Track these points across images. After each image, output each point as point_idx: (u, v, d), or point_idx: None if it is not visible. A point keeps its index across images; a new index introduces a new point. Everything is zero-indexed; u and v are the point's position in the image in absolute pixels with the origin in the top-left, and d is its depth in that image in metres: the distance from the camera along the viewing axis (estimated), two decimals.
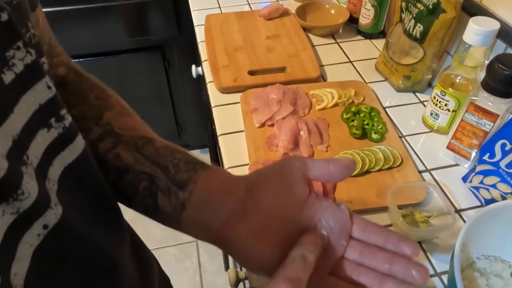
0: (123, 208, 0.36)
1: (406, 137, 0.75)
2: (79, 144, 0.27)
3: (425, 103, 0.82)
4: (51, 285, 0.24)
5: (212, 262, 1.58)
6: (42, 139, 0.24)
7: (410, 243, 0.30)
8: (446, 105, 0.71)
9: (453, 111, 0.71)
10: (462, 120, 0.64)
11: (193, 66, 1.14)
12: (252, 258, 0.31)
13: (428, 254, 0.58)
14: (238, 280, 0.74)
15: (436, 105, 0.72)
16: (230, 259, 1.19)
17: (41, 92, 0.24)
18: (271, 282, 0.26)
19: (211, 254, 1.60)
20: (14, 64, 0.22)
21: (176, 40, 1.50)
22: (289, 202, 0.32)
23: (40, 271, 0.23)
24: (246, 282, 0.79)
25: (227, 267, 1.17)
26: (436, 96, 0.71)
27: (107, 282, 0.30)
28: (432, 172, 0.69)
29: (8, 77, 0.21)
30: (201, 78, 1.07)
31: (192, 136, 1.84)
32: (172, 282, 0.57)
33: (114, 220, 0.34)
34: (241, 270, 0.80)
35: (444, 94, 0.70)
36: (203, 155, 1.92)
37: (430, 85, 0.85)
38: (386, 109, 0.80)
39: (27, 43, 0.23)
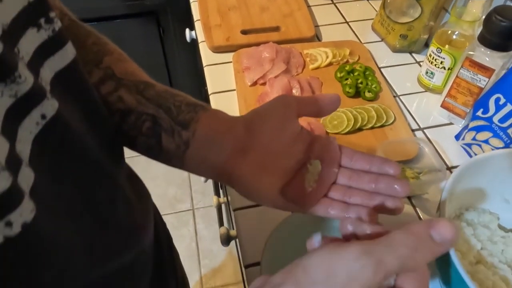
0: None
1: (401, 97, 0.74)
2: (69, 51, 0.28)
3: (421, 63, 0.80)
4: (52, 175, 0.24)
5: (208, 230, 1.60)
6: (32, 38, 0.24)
7: (392, 164, 0.33)
8: (441, 62, 0.69)
9: (448, 69, 0.69)
10: (457, 76, 0.63)
11: (187, 30, 1.11)
12: (254, 190, 0.34)
13: (417, 209, 0.58)
14: (229, 238, 0.75)
15: (431, 63, 0.70)
16: (225, 218, 1.20)
17: None
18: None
19: (208, 222, 1.61)
20: None
21: (170, 5, 1.46)
22: (284, 137, 0.34)
23: (41, 160, 0.23)
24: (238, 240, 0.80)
25: (221, 224, 1.18)
26: (432, 54, 0.70)
27: (104, 192, 0.30)
28: (425, 130, 0.68)
29: None
30: (195, 42, 1.05)
31: None
32: None
33: (108, 138, 0.33)
34: (232, 229, 0.80)
35: (440, 51, 0.68)
36: None
37: (426, 45, 0.83)
38: (382, 69, 0.79)
39: None
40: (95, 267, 0.29)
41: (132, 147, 0.37)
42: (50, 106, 0.24)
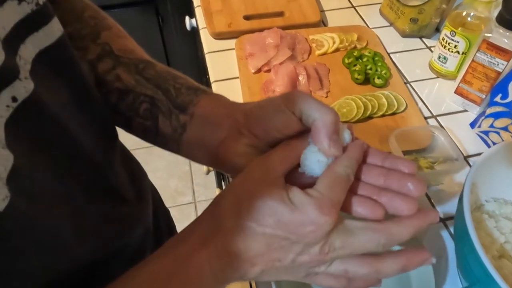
0: None
1: (412, 83, 0.71)
2: (55, 28, 0.26)
3: (432, 48, 0.77)
4: (30, 159, 0.22)
5: None
6: (12, 11, 0.22)
7: (407, 162, 0.29)
8: (455, 46, 0.66)
9: (462, 53, 0.66)
10: (473, 60, 0.60)
11: (187, 18, 1.08)
12: None
13: (432, 200, 0.55)
14: None
15: (444, 47, 0.67)
16: None
17: None
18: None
19: None
20: None
21: None
22: (281, 134, 0.31)
23: (18, 143, 0.21)
24: None
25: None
26: (445, 38, 0.66)
27: (93, 180, 0.29)
28: (438, 118, 0.65)
29: None
30: (195, 31, 1.02)
31: None
32: None
33: (99, 121, 0.32)
34: None
35: (454, 34, 0.65)
36: None
37: (437, 30, 0.80)
38: (391, 55, 0.75)
39: None
40: (83, 253, 0.28)
41: (128, 129, 0.36)
42: (22, 88, 0.22)
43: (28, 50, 0.23)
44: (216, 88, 0.70)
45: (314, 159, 0.29)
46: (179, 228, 0.54)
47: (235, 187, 0.28)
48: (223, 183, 1.20)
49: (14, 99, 0.21)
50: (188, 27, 1.07)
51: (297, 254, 0.26)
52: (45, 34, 0.25)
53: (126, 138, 0.41)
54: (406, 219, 0.27)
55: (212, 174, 1.34)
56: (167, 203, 0.52)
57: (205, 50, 0.77)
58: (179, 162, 1.74)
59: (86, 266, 0.29)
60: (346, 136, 0.30)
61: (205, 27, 0.80)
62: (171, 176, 1.70)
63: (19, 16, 0.23)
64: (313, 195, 0.26)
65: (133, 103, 0.34)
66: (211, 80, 0.71)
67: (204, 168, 1.19)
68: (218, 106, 0.34)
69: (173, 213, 0.53)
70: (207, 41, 0.78)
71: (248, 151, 0.31)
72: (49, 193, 0.24)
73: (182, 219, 1.63)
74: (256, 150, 0.31)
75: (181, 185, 1.68)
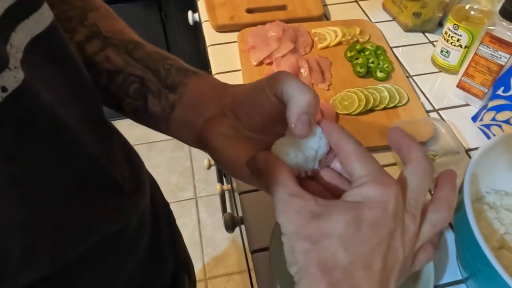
0: None
1: (414, 77, 0.70)
2: (46, 15, 0.25)
3: (434, 43, 0.77)
4: (12, 155, 0.22)
5: (211, 218, 1.57)
6: None
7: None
8: (458, 40, 0.65)
9: (465, 47, 0.66)
10: (475, 54, 0.60)
11: (189, 12, 1.07)
12: (224, 157, 0.31)
13: (432, 193, 0.54)
14: (234, 223, 0.72)
15: (447, 41, 0.67)
16: (229, 206, 1.18)
17: None
18: None
19: (210, 210, 1.59)
20: None
21: None
22: (262, 117, 0.31)
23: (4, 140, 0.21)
24: (242, 227, 0.77)
25: (224, 212, 1.16)
26: (448, 31, 0.66)
27: (87, 172, 0.28)
28: (440, 112, 0.65)
29: None
30: (198, 25, 1.02)
31: None
32: None
33: (94, 108, 0.31)
34: (237, 215, 0.78)
35: (457, 28, 0.65)
36: None
37: (440, 24, 0.79)
38: (393, 49, 0.75)
39: None
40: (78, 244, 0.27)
41: (118, 109, 0.35)
42: (12, 78, 0.21)
43: (20, 38, 0.23)
44: None
45: (283, 152, 0.28)
46: (180, 223, 0.54)
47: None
48: (224, 178, 1.20)
49: (3, 89, 0.21)
50: (190, 21, 1.07)
51: (402, 237, 0.25)
52: (36, 21, 0.24)
53: (128, 135, 0.41)
54: None
55: (213, 169, 1.34)
56: (168, 199, 0.52)
57: (207, 43, 0.77)
58: (180, 157, 1.74)
59: (79, 251, 0.28)
60: (322, 143, 0.28)
61: (207, 20, 0.80)
62: (172, 171, 1.70)
63: (7, 2, 0.22)
64: (363, 181, 0.25)
65: (123, 83, 0.34)
66: (213, 72, 0.71)
67: (205, 163, 1.19)
68: (208, 87, 0.33)
69: (174, 208, 0.53)
70: (209, 34, 0.78)
71: (229, 133, 0.31)
72: (37, 184, 0.23)
73: (182, 215, 1.63)
74: (238, 132, 0.31)
75: (182, 181, 1.68)
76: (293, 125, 0.27)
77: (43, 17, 0.25)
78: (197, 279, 0.61)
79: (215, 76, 0.70)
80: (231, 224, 0.69)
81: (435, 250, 0.28)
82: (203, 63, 1.22)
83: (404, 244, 0.25)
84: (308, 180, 0.30)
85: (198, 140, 0.32)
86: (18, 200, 0.22)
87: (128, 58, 0.34)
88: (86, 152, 0.28)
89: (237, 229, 0.82)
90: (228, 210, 1.16)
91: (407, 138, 0.28)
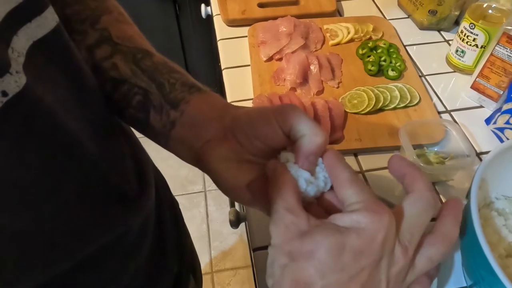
0: None
1: (427, 77, 0.69)
2: (49, 18, 0.25)
3: (450, 42, 0.75)
4: (13, 159, 0.22)
5: (219, 212, 1.58)
6: (1, 1, 0.21)
7: None
8: (474, 40, 0.63)
9: (481, 47, 0.64)
10: (491, 54, 0.58)
11: (202, 5, 1.07)
12: (222, 180, 0.31)
13: (441, 196, 0.53)
14: (239, 220, 0.72)
15: (463, 40, 0.65)
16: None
17: None
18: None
19: (219, 204, 1.60)
20: None
21: None
22: (264, 144, 0.31)
23: (5, 144, 0.21)
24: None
25: (232, 206, 1.16)
26: (464, 30, 0.64)
27: (89, 176, 0.28)
28: (453, 113, 0.63)
29: None
30: (210, 19, 1.01)
31: (201, 83, 1.79)
32: None
33: (97, 112, 0.31)
34: (243, 210, 0.77)
35: (473, 27, 0.63)
36: None
37: (457, 23, 0.77)
38: (407, 47, 0.73)
39: None
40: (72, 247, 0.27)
41: (121, 117, 0.35)
42: (13, 82, 0.21)
43: (22, 42, 0.23)
44: (227, 75, 0.69)
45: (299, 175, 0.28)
46: (189, 216, 0.54)
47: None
48: None
49: (4, 93, 0.20)
50: (203, 14, 1.07)
51: (388, 269, 0.25)
52: (38, 25, 0.24)
53: None
54: None
55: None
56: (177, 192, 0.52)
57: (218, 37, 0.76)
58: None
59: (77, 260, 0.28)
60: (321, 176, 0.29)
61: (219, 14, 0.80)
62: (182, 164, 1.68)
63: (8, 5, 0.22)
64: (354, 207, 0.25)
65: (127, 93, 0.33)
66: (222, 67, 0.71)
67: None
68: (209, 106, 0.33)
69: (183, 201, 0.53)
70: (220, 28, 0.78)
71: (229, 156, 0.30)
72: (37, 189, 0.23)
73: (191, 208, 1.64)
74: (237, 156, 0.30)
75: (192, 174, 1.69)
76: (300, 163, 0.28)
77: (46, 21, 0.25)
78: (203, 272, 0.61)
79: (224, 71, 0.70)
80: (235, 220, 0.69)
81: (431, 283, 0.28)
82: (214, 56, 1.22)
83: (388, 276, 0.25)
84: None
85: (196, 161, 0.32)
86: (17, 206, 0.22)
87: (135, 68, 0.34)
88: (88, 156, 0.27)
89: (243, 225, 0.82)
90: (236, 205, 1.16)
91: (411, 167, 0.27)
